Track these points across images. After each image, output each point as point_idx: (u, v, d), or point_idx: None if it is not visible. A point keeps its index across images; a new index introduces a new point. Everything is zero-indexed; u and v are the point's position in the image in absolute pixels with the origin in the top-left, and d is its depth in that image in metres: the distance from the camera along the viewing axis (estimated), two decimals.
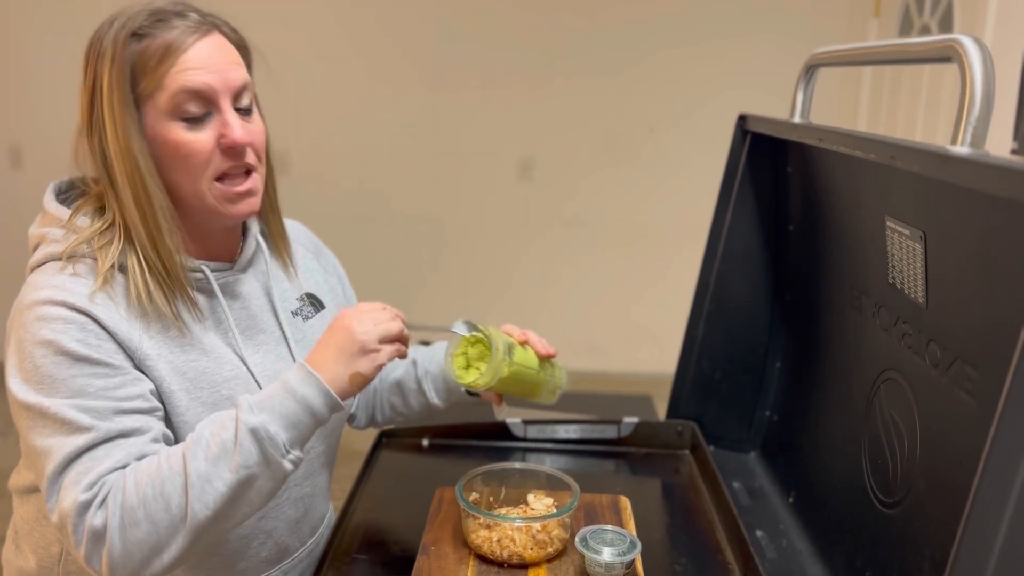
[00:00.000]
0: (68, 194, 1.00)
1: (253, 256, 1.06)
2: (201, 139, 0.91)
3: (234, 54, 0.95)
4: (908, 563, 0.87)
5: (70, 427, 0.85)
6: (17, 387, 0.86)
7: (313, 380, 0.90)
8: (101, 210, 0.95)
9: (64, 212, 0.95)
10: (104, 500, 0.84)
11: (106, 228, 0.93)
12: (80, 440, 0.85)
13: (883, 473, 0.96)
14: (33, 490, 1.00)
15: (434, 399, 1.24)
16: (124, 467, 0.86)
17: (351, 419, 1.30)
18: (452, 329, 1.08)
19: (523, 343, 1.14)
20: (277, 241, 1.09)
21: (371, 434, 1.41)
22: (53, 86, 3.55)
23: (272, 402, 0.88)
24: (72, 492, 0.83)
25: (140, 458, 0.87)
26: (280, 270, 1.10)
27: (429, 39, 3.52)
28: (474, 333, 1.09)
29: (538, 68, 3.53)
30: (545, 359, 1.16)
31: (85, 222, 0.94)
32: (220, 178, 0.94)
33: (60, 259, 0.91)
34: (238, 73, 0.93)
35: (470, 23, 3.50)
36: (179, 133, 0.91)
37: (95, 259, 0.91)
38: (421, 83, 3.55)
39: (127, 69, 0.89)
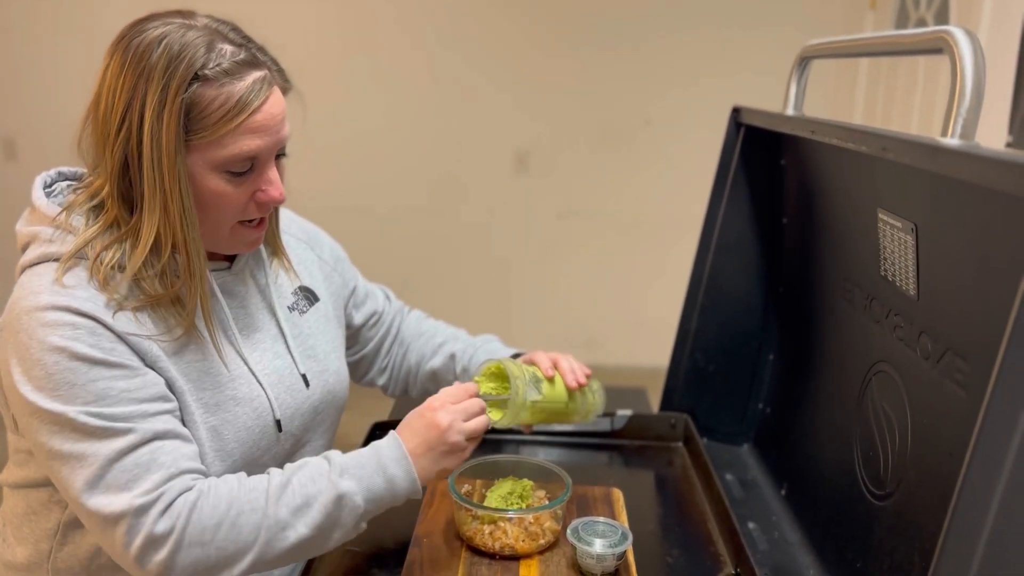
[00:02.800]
0: (54, 187, 0.97)
1: (249, 254, 1.05)
2: (240, 192, 0.92)
3: (285, 108, 0.94)
4: (899, 554, 0.88)
5: (105, 432, 0.84)
6: (31, 395, 0.84)
7: (405, 464, 0.93)
8: (95, 208, 0.92)
9: (54, 209, 0.92)
10: (168, 507, 0.84)
11: (107, 228, 0.91)
12: (119, 443, 0.84)
13: (874, 465, 0.96)
14: (24, 485, 0.99)
15: None
16: (178, 475, 0.86)
17: (384, 388, 1.33)
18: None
19: (550, 378, 1.13)
20: (273, 238, 1.08)
21: (364, 426, 1.41)
22: (47, 78, 3.53)
23: (362, 471, 0.92)
24: (123, 497, 0.83)
25: (188, 464, 0.87)
26: (276, 265, 1.09)
27: (426, 31, 3.51)
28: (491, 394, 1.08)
29: (535, 61, 3.52)
30: (577, 388, 1.15)
31: (80, 221, 0.91)
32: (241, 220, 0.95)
33: (56, 260, 0.89)
34: (286, 129, 0.94)
35: (466, 15, 3.49)
36: (221, 185, 0.90)
37: (94, 260, 0.89)
38: (418, 75, 3.54)
39: (182, 110, 0.85)
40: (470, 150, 3.62)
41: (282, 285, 1.09)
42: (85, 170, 0.97)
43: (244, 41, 0.91)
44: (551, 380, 1.13)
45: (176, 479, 0.86)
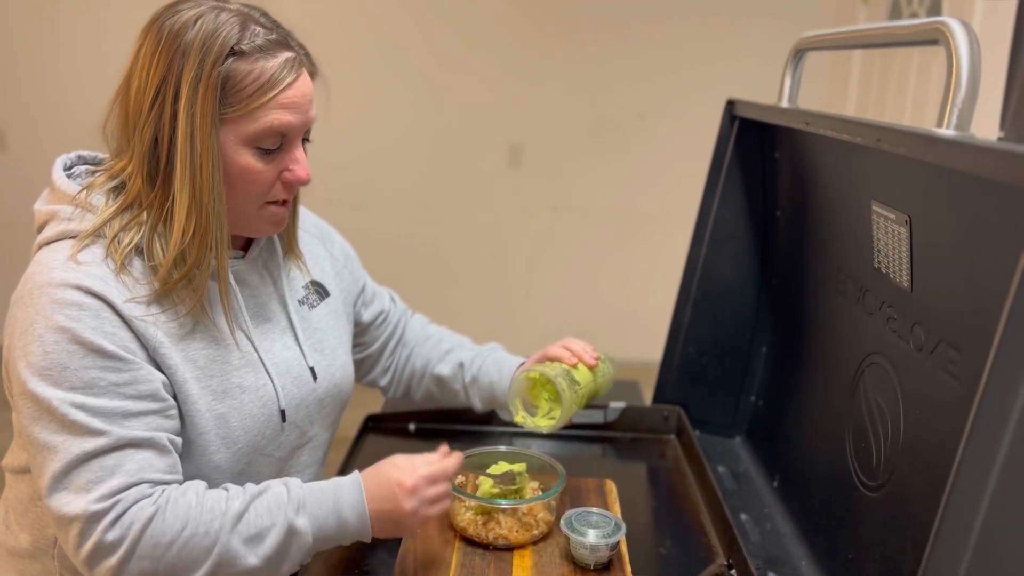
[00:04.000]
0: (74, 170, 0.97)
1: (263, 245, 1.05)
2: (269, 170, 0.93)
3: (312, 90, 0.97)
4: (891, 545, 0.88)
5: (80, 429, 0.84)
6: (24, 371, 0.84)
7: (361, 511, 0.93)
8: (115, 189, 0.93)
9: (74, 188, 0.92)
10: (120, 518, 0.84)
11: (126, 209, 0.91)
12: (89, 444, 0.84)
13: (867, 456, 0.96)
14: (27, 470, 0.98)
15: (477, 405, 1.28)
16: (138, 484, 0.86)
17: (386, 389, 1.34)
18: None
19: (575, 365, 1.17)
20: (290, 235, 1.09)
21: (357, 419, 1.41)
22: (38, 70, 3.51)
23: (318, 510, 0.91)
24: (81, 499, 0.83)
25: (153, 476, 0.87)
26: (288, 259, 1.10)
27: (418, 24, 3.50)
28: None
29: (527, 54, 3.51)
30: (595, 365, 1.20)
31: (100, 200, 0.91)
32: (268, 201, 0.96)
33: (74, 238, 0.89)
34: (313, 111, 0.96)
35: (459, 8, 3.48)
36: (250, 160, 0.91)
37: (112, 240, 0.89)
38: (411, 69, 3.53)
39: (218, 84, 0.87)
40: (463, 143, 3.62)
41: (294, 278, 1.10)
42: (104, 155, 0.98)
43: (274, 25, 0.94)
44: (576, 367, 1.17)
45: (134, 488, 0.85)
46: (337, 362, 1.11)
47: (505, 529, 1.03)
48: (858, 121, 0.85)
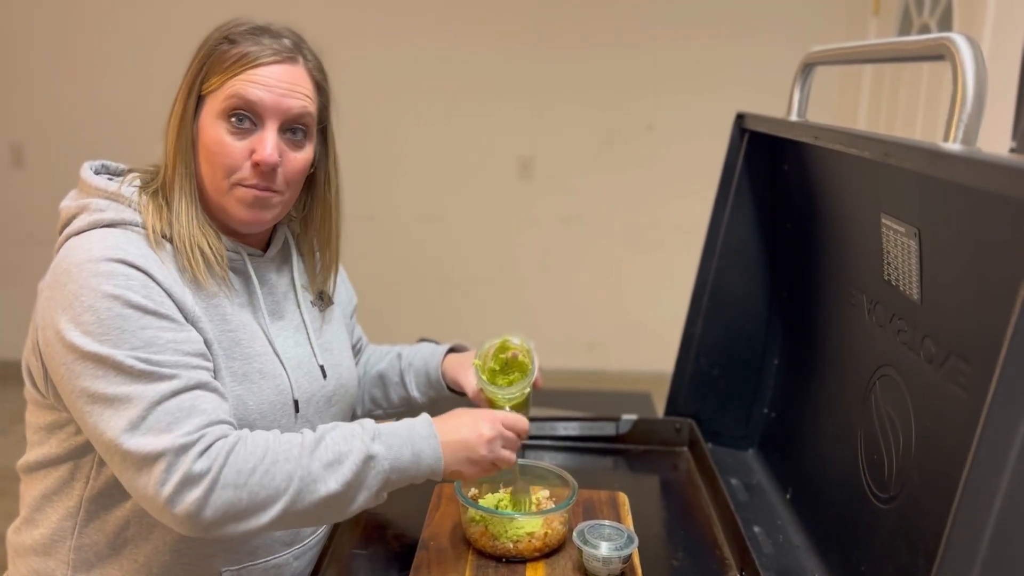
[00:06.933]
0: (99, 176, 1.02)
1: (282, 248, 1.10)
2: (237, 147, 0.96)
3: (305, 86, 1.00)
4: (903, 557, 0.88)
5: (151, 376, 0.86)
6: (79, 339, 0.86)
7: (434, 443, 0.96)
8: (146, 182, 0.99)
9: (106, 183, 0.97)
10: (208, 448, 0.86)
11: (154, 197, 0.97)
12: (164, 387, 0.86)
13: (879, 468, 0.96)
14: (44, 465, 1.00)
15: (414, 393, 1.27)
16: (217, 423, 0.88)
17: None
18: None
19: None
20: (322, 227, 1.13)
21: None
22: (54, 84, 3.56)
23: (393, 440, 0.94)
24: (165, 436, 0.85)
25: (226, 417, 0.90)
26: (302, 263, 1.14)
27: (429, 38, 3.52)
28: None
29: (538, 67, 3.53)
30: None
31: (130, 192, 0.97)
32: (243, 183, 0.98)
33: (108, 226, 0.93)
34: (297, 103, 0.98)
35: (469, 22, 3.51)
36: (221, 134, 0.96)
37: (146, 227, 0.94)
38: (422, 82, 3.56)
39: (205, 64, 0.96)
40: (474, 156, 3.64)
41: (306, 283, 1.14)
42: (126, 165, 1.03)
43: (284, 30, 1.01)
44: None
45: (216, 426, 0.88)
46: (344, 363, 1.15)
47: (517, 541, 1.03)
48: (866, 135, 0.86)
